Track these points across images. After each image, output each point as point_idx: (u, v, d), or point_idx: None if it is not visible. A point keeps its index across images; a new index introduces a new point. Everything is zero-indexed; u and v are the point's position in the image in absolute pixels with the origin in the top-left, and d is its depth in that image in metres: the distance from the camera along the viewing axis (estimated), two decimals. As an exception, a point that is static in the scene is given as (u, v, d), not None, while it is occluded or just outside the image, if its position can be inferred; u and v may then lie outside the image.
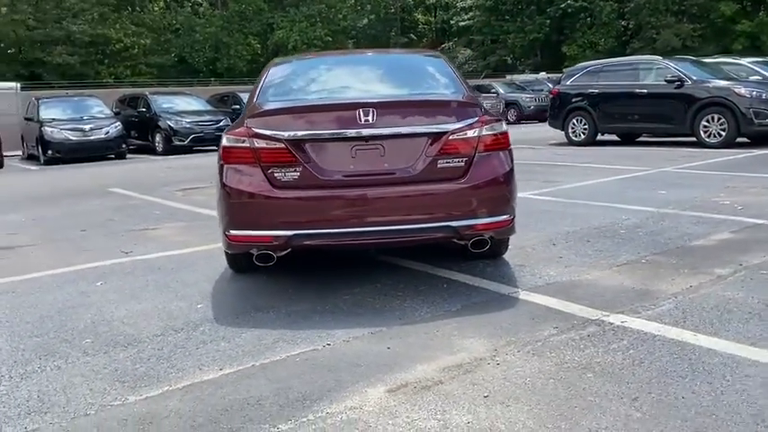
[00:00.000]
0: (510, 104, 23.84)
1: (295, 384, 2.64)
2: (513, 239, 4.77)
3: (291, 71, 4.35)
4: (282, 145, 3.39)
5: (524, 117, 22.70)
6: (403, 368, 2.75)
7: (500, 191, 3.53)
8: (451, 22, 47.84)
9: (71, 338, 3.25)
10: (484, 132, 3.51)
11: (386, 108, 3.47)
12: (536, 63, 42.61)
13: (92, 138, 14.91)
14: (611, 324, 3.14)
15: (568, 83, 13.51)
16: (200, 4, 46.57)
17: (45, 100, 16.28)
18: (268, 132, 3.41)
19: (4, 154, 14.87)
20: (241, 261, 4.05)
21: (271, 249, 3.48)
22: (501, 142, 3.59)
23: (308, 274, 4.25)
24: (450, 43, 49.71)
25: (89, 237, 5.87)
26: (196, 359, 2.93)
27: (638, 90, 12.00)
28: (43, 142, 14.69)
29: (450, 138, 3.45)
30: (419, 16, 55.18)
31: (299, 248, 3.51)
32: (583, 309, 3.37)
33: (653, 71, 12.03)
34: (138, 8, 44.85)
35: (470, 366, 2.74)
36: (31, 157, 16.08)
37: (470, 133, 3.48)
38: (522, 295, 3.63)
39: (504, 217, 3.57)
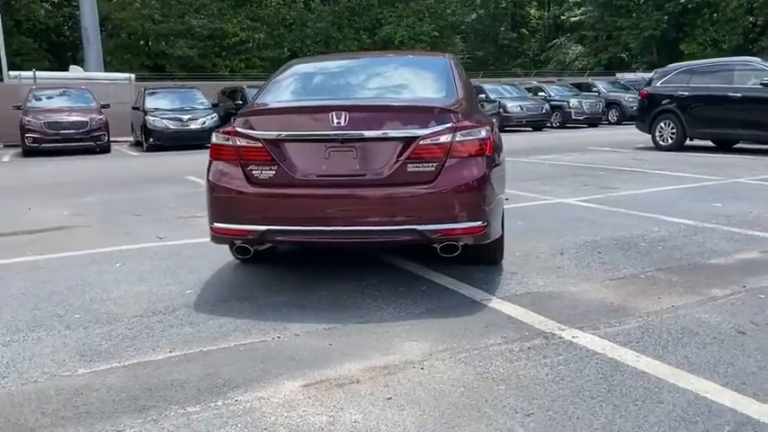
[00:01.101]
0: (611, 104, 22.97)
1: (224, 371, 2.81)
2: (523, 246, 4.78)
3: (299, 72, 4.51)
4: (260, 144, 3.57)
5: (627, 118, 21.75)
6: (331, 365, 2.85)
7: (470, 197, 3.53)
8: (562, 17, 46.45)
9: (63, 313, 3.60)
10: (457, 138, 3.52)
11: (359, 111, 3.57)
12: (651, 61, 40.52)
13: (189, 127, 15.87)
14: (561, 338, 3.08)
15: (659, 84, 12.87)
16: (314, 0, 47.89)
17: (151, 91, 17.48)
18: (249, 132, 3.60)
19: (117, 140, 16.16)
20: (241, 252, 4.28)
21: (248, 243, 3.68)
22: (477, 149, 3.58)
23: (302, 267, 4.43)
24: (562, 39, 48.34)
25: (139, 221, 6.35)
26: (156, 341, 3.18)
27: (731, 93, 11.26)
28: (146, 130, 15.83)
29: (421, 143, 3.49)
30: (532, 11, 54.00)
31: (273, 243, 3.68)
32: (543, 321, 3.32)
33: (749, 73, 11.25)
34: (255, 4, 46.77)
35: (395, 368, 2.81)
36: (137, 144, 17.34)
37: (442, 139, 3.50)
38: (493, 303, 3.61)
39: (475, 223, 3.56)
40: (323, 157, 3.54)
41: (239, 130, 3.63)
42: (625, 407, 2.40)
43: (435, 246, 3.66)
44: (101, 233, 5.81)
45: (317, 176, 3.55)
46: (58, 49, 42.05)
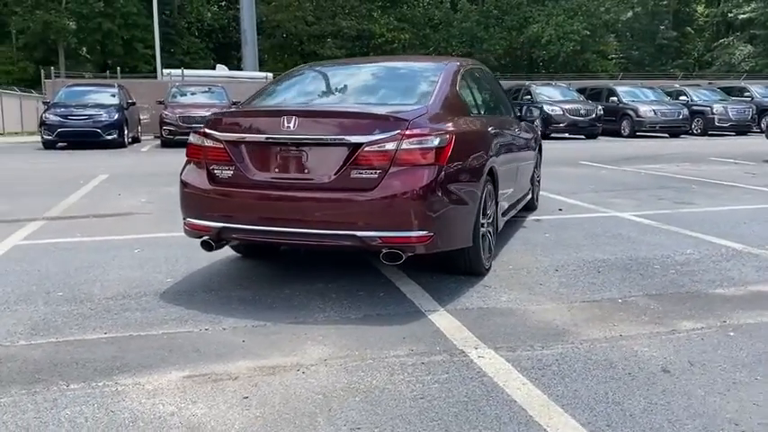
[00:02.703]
0: (765, 111, 20.83)
1: (130, 356, 3.02)
2: (526, 259, 4.64)
3: (297, 76, 4.66)
4: (222, 145, 3.77)
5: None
6: (225, 360, 2.97)
7: (414, 206, 3.48)
8: (730, 15, 42.66)
9: (52, 290, 4.02)
10: (404, 146, 3.49)
11: (308, 117, 3.65)
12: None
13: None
14: (465, 357, 2.97)
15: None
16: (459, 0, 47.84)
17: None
18: (213, 133, 3.81)
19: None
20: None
21: (210, 239, 3.88)
22: (426, 157, 3.52)
23: (291, 266, 4.59)
24: (731, 38, 44.46)
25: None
26: (102, 322, 3.47)
27: None
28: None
29: (366, 149, 3.50)
30: (699, 8, 50.12)
31: (230, 240, 3.87)
32: (467, 338, 3.21)
33: None
34: (403, 5, 47.60)
35: (280, 370, 2.87)
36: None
37: (387, 146, 3.48)
38: (435, 315, 3.54)
39: (418, 233, 3.51)
40: (275, 160, 3.67)
41: (207, 131, 3.85)
42: (456, 433, 2.30)
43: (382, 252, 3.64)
44: (153, 221, 6.33)
45: (270, 178, 3.68)
46: (222, 49, 45.47)
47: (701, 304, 3.69)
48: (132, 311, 3.64)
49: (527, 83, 21.50)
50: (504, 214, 4.98)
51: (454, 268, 4.18)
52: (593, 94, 21.60)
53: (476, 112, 4.55)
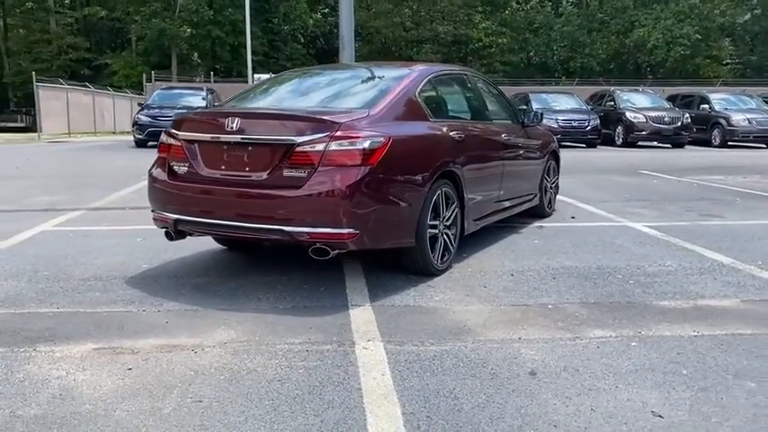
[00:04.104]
0: None
1: (61, 329, 3.39)
2: (493, 263, 4.74)
3: (272, 81, 4.95)
4: (180, 144, 4.11)
5: None
6: (138, 337, 3.28)
7: (338, 204, 3.65)
8: None
9: (41, 270, 4.51)
10: (332, 147, 3.67)
11: (249, 118, 3.91)
12: None
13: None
14: (351, 348, 3.11)
15: None
16: (561, 4, 46.79)
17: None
18: (175, 132, 4.16)
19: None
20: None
21: (170, 230, 4.22)
22: (354, 158, 3.69)
23: (267, 257, 4.87)
24: None
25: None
26: (61, 298, 3.88)
27: None
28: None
29: (297, 149, 3.71)
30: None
31: (184, 231, 4.19)
32: (369, 332, 3.34)
33: None
34: (505, 9, 47.10)
35: (177, 348, 3.13)
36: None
37: (317, 147, 3.68)
38: (357, 309, 3.69)
39: (343, 230, 3.67)
40: (222, 158, 3.95)
41: (171, 130, 4.20)
42: (283, 413, 2.47)
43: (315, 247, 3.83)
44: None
45: (218, 175, 3.97)
46: (323, 55, 46.88)
47: (630, 315, 3.62)
48: (93, 291, 4.04)
49: (611, 89, 20.81)
50: (479, 219, 5.03)
51: (403, 267, 4.31)
52: (685, 102, 20.58)
53: (441, 117, 4.63)
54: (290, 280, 4.26)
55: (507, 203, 5.61)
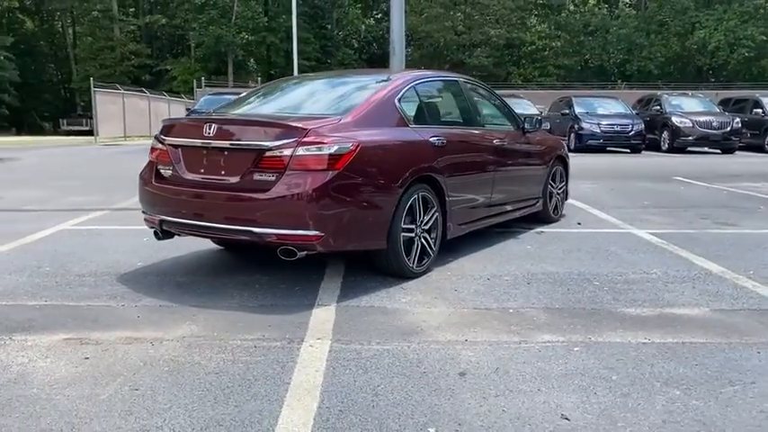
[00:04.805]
0: None
1: (42, 320, 3.65)
2: (474, 267, 4.83)
3: (262, 89, 5.14)
4: (165, 148, 4.34)
5: None
6: (107, 330, 3.48)
7: (305, 207, 3.78)
8: None
9: (44, 266, 4.81)
10: (298, 152, 3.82)
11: (224, 124, 4.09)
12: None
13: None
14: (299, 345, 3.23)
15: None
16: (617, 6, 45.77)
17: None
18: (162, 137, 4.39)
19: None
20: None
21: (157, 229, 4.45)
22: (319, 163, 3.82)
23: (250, 259, 5.06)
24: None
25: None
26: (53, 292, 4.14)
27: None
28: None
29: (267, 154, 3.88)
30: None
31: (168, 231, 4.40)
32: (322, 330, 3.46)
33: None
34: (561, 12, 46.42)
35: (139, 341, 3.32)
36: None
37: (285, 152, 3.84)
38: (320, 309, 3.81)
39: (308, 232, 3.81)
40: (202, 162, 4.15)
41: (159, 135, 4.43)
42: (207, 403, 2.62)
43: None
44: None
45: (198, 178, 4.17)
46: (374, 59, 47.28)
47: (588, 321, 3.63)
48: (84, 287, 4.30)
49: (658, 92, 20.29)
50: (466, 223, 5.08)
51: (378, 268, 4.42)
52: (738, 107, 19.90)
53: (422, 123, 4.71)
54: (271, 279, 4.43)
55: (504, 208, 5.65)
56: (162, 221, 4.32)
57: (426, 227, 4.53)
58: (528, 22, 44.24)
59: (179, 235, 4.53)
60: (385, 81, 4.70)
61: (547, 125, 7.42)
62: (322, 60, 44.94)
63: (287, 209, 3.82)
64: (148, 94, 31.26)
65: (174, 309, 3.86)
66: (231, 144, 4.03)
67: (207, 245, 5.35)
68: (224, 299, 4.04)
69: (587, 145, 17.58)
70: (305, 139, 3.84)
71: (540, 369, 2.96)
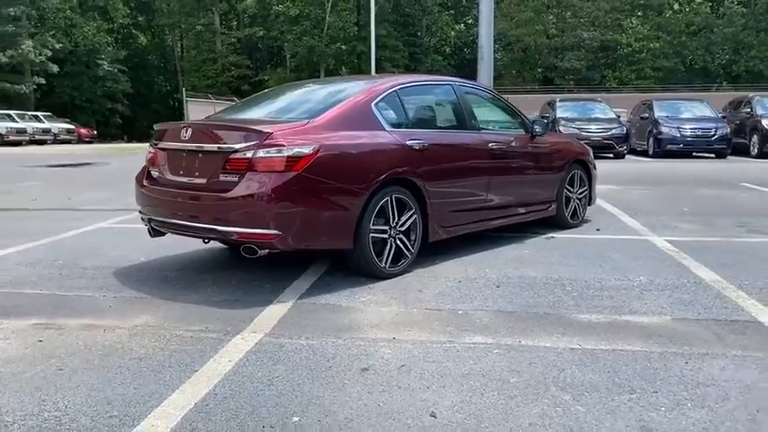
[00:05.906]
0: None
1: (25, 306, 4.00)
2: (456, 269, 4.87)
3: (259, 94, 5.36)
4: (154, 151, 4.65)
5: None
6: (75, 317, 3.77)
7: (263, 207, 3.95)
8: None
9: (59, 258, 5.23)
10: (259, 154, 4.00)
11: (198, 129, 4.34)
12: None
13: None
14: (233, 338, 3.39)
15: None
16: (722, 4, 43.20)
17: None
18: (154, 141, 4.71)
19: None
20: None
21: (148, 227, 4.76)
22: (280, 164, 3.98)
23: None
24: None
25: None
26: (54, 282, 4.53)
27: None
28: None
29: (231, 156, 4.08)
30: None
31: (157, 228, 4.70)
32: (266, 325, 3.60)
33: None
34: (661, 12, 44.45)
35: (95, 328, 3.59)
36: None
37: (247, 154, 4.03)
38: (276, 305, 3.94)
39: (267, 231, 3.97)
40: (181, 164, 4.42)
41: (154, 140, 4.75)
42: (112, 383, 2.84)
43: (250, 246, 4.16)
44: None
45: (178, 180, 4.44)
46: (465, 65, 47.11)
47: (531, 325, 3.57)
48: (81, 278, 4.67)
49: (750, 94, 19.04)
50: (453, 226, 5.09)
51: (350, 268, 4.53)
52: None
53: (401, 128, 4.77)
54: (248, 277, 4.63)
55: (506, 212, 5.61)
56: (150, 220, 4.62)
57: (402, 228, 4.59)
58: (625, 23, 42.59)
59: (164, 233, 4.81)
60: (365, 86, 4.81)
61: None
62: (410, 67, 45.26)
63: (247, 208, 4.01)
64: (237, 102, 32.69)
65: (146, 300, 4.13)
66: (203, 147, 4.27)
67: (212, 243, 5.63)
68: (195, 293, 4.27)
69: (667, 150, 16.78)
70: (266, 142, 4.01)
71: (444, 368, 2.97)
